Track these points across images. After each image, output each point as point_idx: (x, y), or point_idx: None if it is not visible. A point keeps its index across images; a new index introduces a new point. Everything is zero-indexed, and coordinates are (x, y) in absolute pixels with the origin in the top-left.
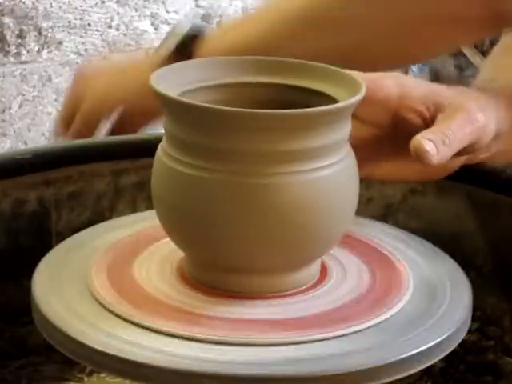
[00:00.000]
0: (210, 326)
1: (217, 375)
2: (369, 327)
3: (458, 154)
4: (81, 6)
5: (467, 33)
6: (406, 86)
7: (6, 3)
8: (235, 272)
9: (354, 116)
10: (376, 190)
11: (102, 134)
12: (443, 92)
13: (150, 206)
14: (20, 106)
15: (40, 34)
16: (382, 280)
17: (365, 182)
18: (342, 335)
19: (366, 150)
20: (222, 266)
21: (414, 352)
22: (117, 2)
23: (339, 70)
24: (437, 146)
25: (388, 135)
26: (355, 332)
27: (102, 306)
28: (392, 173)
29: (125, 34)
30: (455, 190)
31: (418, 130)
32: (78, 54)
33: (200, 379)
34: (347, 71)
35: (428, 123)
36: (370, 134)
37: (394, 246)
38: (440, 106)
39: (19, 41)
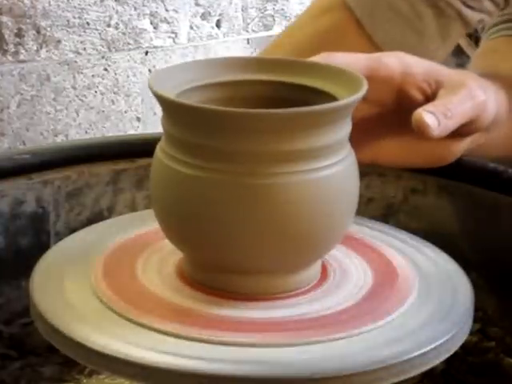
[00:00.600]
0: (210, 327)
1: (216, 375)
2: (369, 329)
3: (460, 133)
4: (79, 5)
5: None
6: (408, 63)
7: (5, 2)
8: (236, 273)
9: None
10: (377, 190)
11: None
12: (444, 70)
13: (148, 206)
14: (18, 106)
15: (38, 32)
16: (383, 281)
17: (370, 166)
18: (343, 336)
19: (366, 130)
20: (223, 266)
21: (415, 354)
22: (116, 0)
23: (338, 67)
24: (438, 119)
25: (390, 113)
26: (356, 333)
27: (101, 306)
28: (396, 157)
29: (124, 33)
30: (456, 190)
31: (420, 106)
32: (77, 52)
33: (199, 379)
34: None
35: (430, 100)
36: (370, 112)
37: (394, 247)
38: (441, 83)
39: (17, 40)
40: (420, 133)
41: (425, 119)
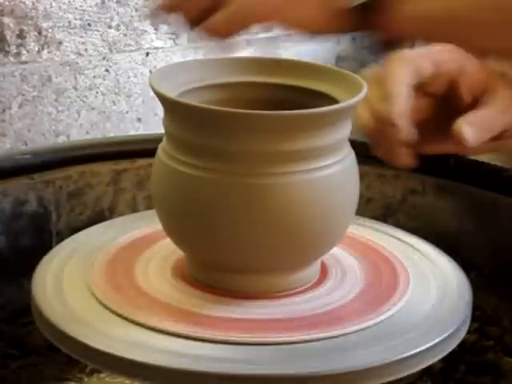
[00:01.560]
0: (210, 326)
1: (216, 374)
2: (369, 327)
3: (493, 138)
4: (81, 6)
5: None
6: (464, 61)
7: (6, 3)
8: (237, 272)
9: (422, 92)
10: (376, 190)
11: None
12: (490, 75)
13: (149, 206)
14: (20, 106)
15: (40, 34)
16: (382, 280)
17: (370, 166)
18: (342, 335)
19: (427, 127)
20: (224, 266)
21: (413, 352)
22: (117, 2)
23: (338, 69)
24: (476, 131)
25: (439, 105)
26: (355, 331)
27: (102, 305)
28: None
29: (125, 34)
30: (455, 190)
31: (465, 106)
32: (78, 54)
33: (199, 378)
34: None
35: (474, 103)
36: (432, 107)
37: (393, 246)
38: (485, 90)
39: (19, 41)
40: (457, 140)
41: (464, 134)
